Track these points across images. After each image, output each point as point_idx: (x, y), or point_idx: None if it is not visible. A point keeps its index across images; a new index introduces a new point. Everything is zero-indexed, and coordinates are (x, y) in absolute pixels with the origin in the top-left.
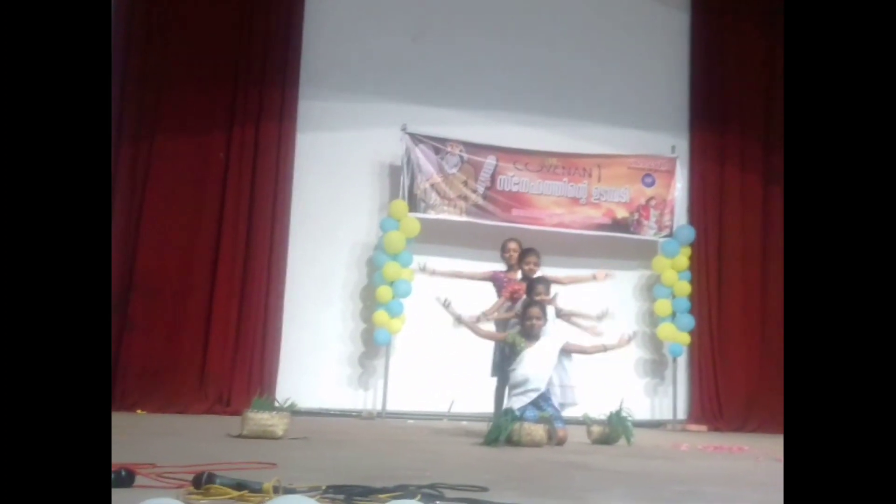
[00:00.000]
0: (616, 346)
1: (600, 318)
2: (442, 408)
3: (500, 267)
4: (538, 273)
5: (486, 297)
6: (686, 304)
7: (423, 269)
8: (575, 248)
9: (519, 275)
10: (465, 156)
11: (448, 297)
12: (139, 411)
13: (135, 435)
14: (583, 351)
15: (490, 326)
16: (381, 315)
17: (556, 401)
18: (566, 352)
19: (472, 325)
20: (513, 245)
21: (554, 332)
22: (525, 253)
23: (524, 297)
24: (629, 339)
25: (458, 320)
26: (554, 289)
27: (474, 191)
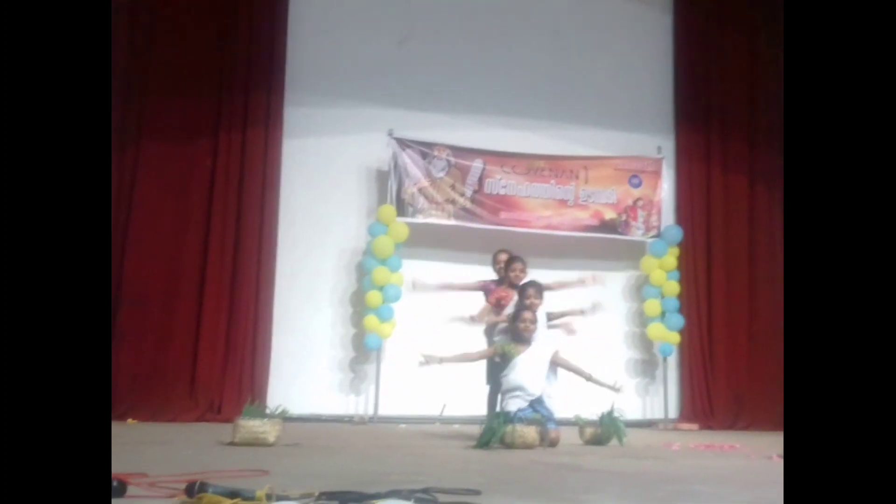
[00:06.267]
0: (602, 384)
1: (592, 310)
2: (434, 411)
3: (490, 274)
4: (525, 279)
5: (476, 304)
6: (675, 303)
7: (414, 286)
8: (563, 250)
9: (507, 285)
10: (453, 160)
11: (424, 355)
12: (129, 420)
13: (126, 444)
14: (569, 367)
15: (479, 333)
16: (371, 320)
17: (548, 404)
18: (554, 363)
19: (459, 358)
20: (503, 256)
21: (545, 339)
22: (511, 261)
23: (511, 302)
24: (617, 389)
25: (443, 362)
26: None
27: (462, 194)
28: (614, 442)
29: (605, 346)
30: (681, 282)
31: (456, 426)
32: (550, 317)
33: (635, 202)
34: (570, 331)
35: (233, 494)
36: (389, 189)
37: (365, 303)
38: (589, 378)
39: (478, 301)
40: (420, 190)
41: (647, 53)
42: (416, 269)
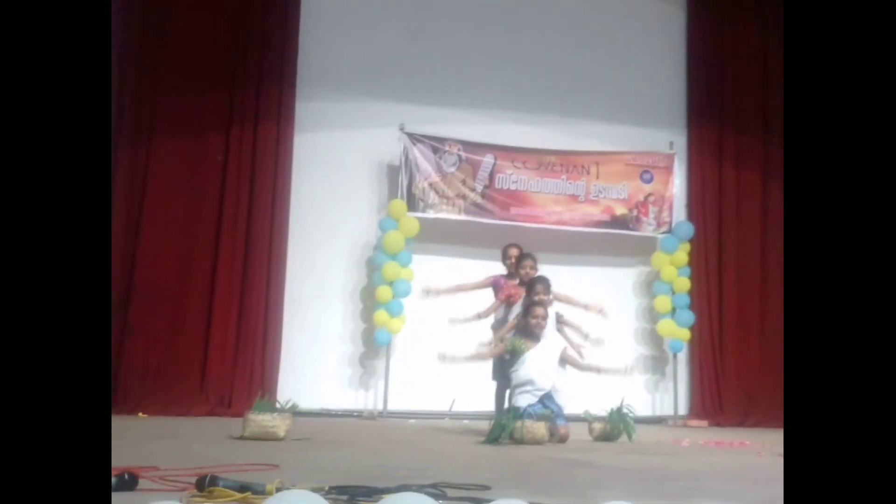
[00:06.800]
0: (611, 371)
1: (594, 342)
2: (443, 407)
3: (500, 269)
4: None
5: (486, 301)
6: (686, 299)
7: (426, 293)
8: (574, 246)
9: (517, 280)
10: (464, 155)
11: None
12: (140, 414)
13: (136, 438)
14: (577, 365)
15: (486, 327)
16: (381, 315)
17: (557, 398)
18: (562, 360)
19: (478, 355)
20: (513, 251)
21: (553, 336)
22: (522, 258)
23: (521, 300)
24: (626, 372)
25: (466, 360)
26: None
27: (473, 189)
28: (623, 438)
29: (615, 342)
30: (692, 278)
31: (465, 421)
32: (559, 318)
33: (646, 198)
34: (578, 355)
35: (243, 488)
36: (400, 184)
37: (375, 298)
38: (599, 371)
39: (488, 298)
40: (431, 185)
41: (659, 48)
42: (426, 267)
